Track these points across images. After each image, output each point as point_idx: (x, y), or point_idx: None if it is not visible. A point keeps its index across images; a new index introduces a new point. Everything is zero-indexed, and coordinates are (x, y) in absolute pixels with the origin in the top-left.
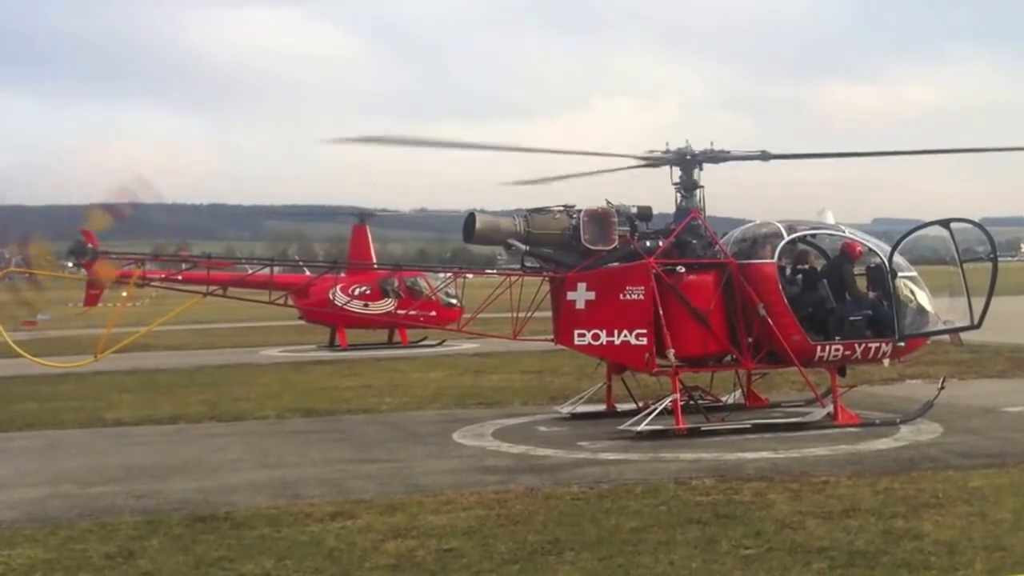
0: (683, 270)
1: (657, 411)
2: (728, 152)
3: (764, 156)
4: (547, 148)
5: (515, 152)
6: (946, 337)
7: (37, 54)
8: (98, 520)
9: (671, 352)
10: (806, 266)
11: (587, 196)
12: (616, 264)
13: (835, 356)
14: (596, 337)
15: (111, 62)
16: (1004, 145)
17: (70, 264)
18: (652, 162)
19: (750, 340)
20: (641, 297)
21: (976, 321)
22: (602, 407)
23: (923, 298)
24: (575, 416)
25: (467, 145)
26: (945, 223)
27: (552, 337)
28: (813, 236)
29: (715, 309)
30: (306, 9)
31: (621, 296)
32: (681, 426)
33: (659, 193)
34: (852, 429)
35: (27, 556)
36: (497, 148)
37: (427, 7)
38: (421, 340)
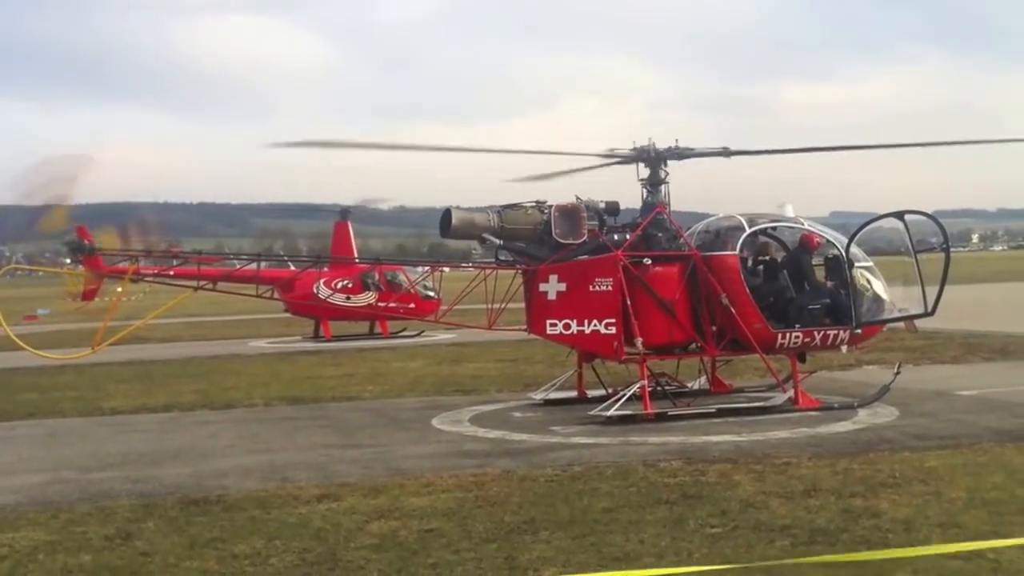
0: (650, 262)
1: (626, 397)
2: (692, 149)
3: (726, 152)
4: (516, 149)
5: (484, 153)
6: (901, 324)
7: (28, 59)
8: (97, 504)
9: (639, 340)
10: (767, 257)
11: (557, 192)
12: (585, 257)
13: (795, 343)
14: (567, 327)
15: (101, 67)
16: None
17: (68, 260)
18: (619, 159)
19: (714, 328)
20: (609, 288)
21: (930, 309)
22: (573, 393)
23: (879, 287)
24: (548, 402)
25: (433, 148)
26: (899, 215)
27: (525, 327)
28: (773, 229)
29: (680, 299)
30: (286, 17)
31: (591, 287)
32: (649, 411)
33: (626, 189)
34: (812, 413)
35: (30, 538)
36: (461, 150)
37: (401, 14)
38: (401, 331)
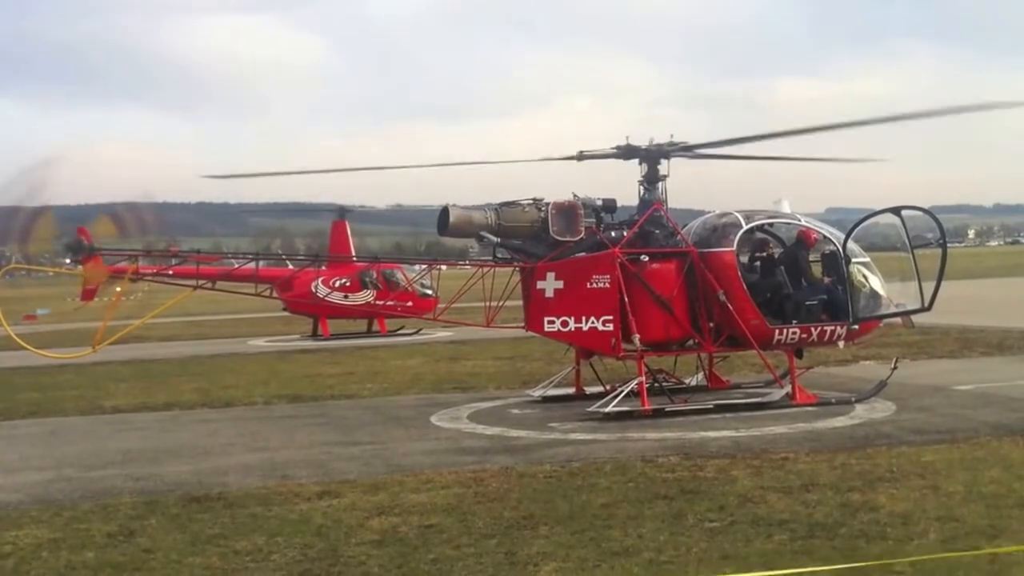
0: (647, 259)
1: (623, 393)
2: (685, 144)
3: (717, 144)
4: (508, 159)
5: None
6: (898, 319)
7: (25, 61)
8: (99, 501)
9: (636, 337)
10: (764, 254)
11: (553, 190)
12: (583, 254)
13: (792, 339)
14: (565, 324)
15: (97, 69)
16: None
17: (68, 261)
18: (616, 156)
19: (711, 325)
20: (607, 285)
21: (926, 304)
22: (571, 390)
23: (876, 283)
24: (546, 399)
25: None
26: (896, 211)
27: (523, 324)
28: (770, 225)
29: (678, 296)
30: (280, 15)
31: (588, 284)
32: (647, 407)
33: (624, 186)
34: (809, 408)
35: (34, 536)
36: (448, 165)
37: (395, 12)
38: (399, 329)
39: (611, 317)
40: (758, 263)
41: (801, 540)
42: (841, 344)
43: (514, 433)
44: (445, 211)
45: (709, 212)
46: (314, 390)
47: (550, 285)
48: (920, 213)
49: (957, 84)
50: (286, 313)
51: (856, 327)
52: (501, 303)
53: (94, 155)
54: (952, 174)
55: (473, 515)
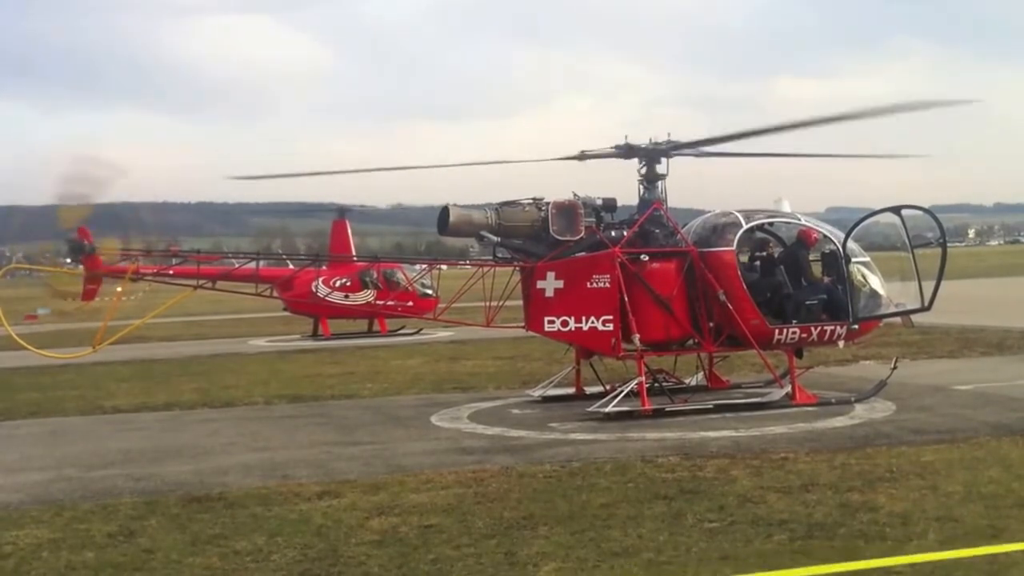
0: (647, 258)
1: (623, 393)
2: (683, 141)
3: (716, 140)
4: (508, 159)
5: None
6: (898, 319)
7: (26, 63)
8: (100, 501)
9: (636, 337)
10: (764, 253)
11: (553, 189)
12: (583, 253)
13: (792, 339)
14: (565, 324)
15: (98, 70)
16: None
17: (68, 260)
18: (615, 156)
19: (711, 324)
20: (607, 285)
21: (926, 304)
22: (571, 390)
23: (876, 282)
24: (546, 399)
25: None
26: (896, 210)
27: (523, 324)
28: (770, 224)
29: (677, 295)
30: (279, 16)
31: (588, 284)
32: (647, 407)
33: (624, 185)
34: (809, 408)
35: (34, 536)
36: (446, 166)
37: (394, 13)
38: (399, 329)
39: (611, 317)
40: (758, 263)
41: (800, 540)
42: (841, 344)
43: (514, 433)
44: (445, 211)
45: (709, 211)
46: (314, 390)
47: (550, 285)
48: (920, 212)
49: (959, 84)
50: (286, 313)
51: (856, 327)
52: (501, 303)
53: (96, 156)
54: (953, 173)
55: (473, 515)
